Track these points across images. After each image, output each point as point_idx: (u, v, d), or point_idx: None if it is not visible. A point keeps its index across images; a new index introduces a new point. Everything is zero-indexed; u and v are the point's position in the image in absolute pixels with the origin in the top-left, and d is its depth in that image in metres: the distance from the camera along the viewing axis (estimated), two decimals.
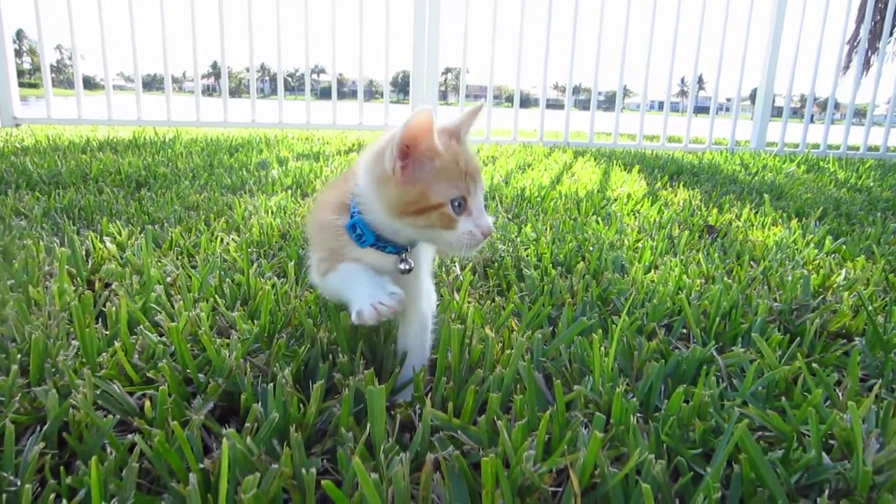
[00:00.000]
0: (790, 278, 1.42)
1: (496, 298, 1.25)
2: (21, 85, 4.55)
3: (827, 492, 0.65)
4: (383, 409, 0.68)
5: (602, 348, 0.92)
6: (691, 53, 5.08)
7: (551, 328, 1.09)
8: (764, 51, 5.09)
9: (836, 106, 5.44)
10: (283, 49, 4.62)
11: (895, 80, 5.26)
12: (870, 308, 1.20)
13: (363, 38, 4.60)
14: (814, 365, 0.94)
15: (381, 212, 0.78)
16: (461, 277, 1.31)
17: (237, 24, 4.83)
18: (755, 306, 1.23)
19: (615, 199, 2.47)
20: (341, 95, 4.96)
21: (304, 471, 0.59)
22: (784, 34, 5.02)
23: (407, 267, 0.84)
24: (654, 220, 2.08)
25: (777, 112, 6.08)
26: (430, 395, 0.82)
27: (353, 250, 0.83)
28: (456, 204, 0.76)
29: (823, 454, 0.70)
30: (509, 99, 5.57)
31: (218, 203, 1.99)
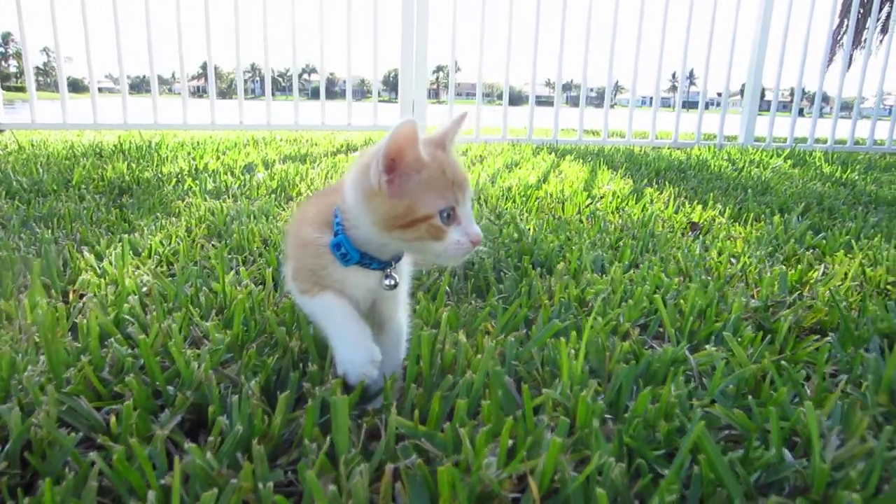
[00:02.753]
0: (769, 275, 1.43)
1: (474, 301, 1.25)
2: (8, 89, 4.54)
3: (786, 490, 0.66)
4: (346, 418, 0.68)
5: (572, 350, 0.92)
6: (680, 49, 5.09)
7: (526, 331, 1.09)
8: (751, 44, 5.10)
9: (825, 99, 5.45)
10: (270, 49, 4.60)
11: (881, 74, 5.28)
12: (843, 304, 1.20)
13: (352, 36, 4.58)
14: (782, 362, 0.95)
15: (369, 227, 0.77)
16: (440, 280, 1.31)
17: (225, 24, 4.80)
18: (730, 304, 1.23)
19: (601, 198, 2.47)
20: (331, 95, 4.93)
21: (261, 485, 0.59)
22: (772, 27, 5.03)
23: (392, 283, 0.83)
24: (638, 218, 2.08)
25: (766, 106, 6.09)
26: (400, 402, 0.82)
27: (335, 271, 0.81)
28: (444, 215, 0.76)
29: (786, 452, 0.71)
30: (500, 96, 5.56)
31: (200, 209, 1.98)
